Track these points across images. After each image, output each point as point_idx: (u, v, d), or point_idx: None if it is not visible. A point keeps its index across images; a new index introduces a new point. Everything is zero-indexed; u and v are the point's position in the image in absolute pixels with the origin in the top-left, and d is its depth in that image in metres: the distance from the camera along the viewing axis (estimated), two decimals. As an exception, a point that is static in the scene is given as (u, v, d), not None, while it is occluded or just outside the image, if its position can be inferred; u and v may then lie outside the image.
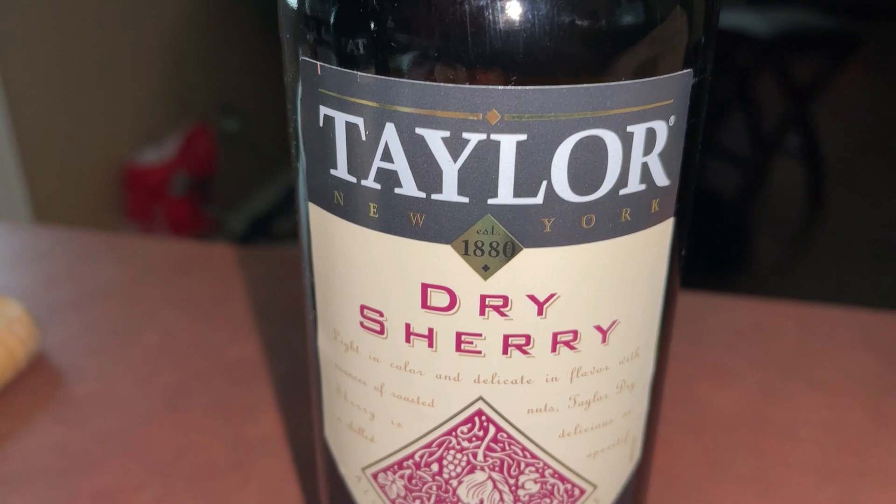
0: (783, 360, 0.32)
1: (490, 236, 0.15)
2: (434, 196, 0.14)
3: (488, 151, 0.14)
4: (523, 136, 0.14)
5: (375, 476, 0.18)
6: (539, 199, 0.14)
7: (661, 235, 0.16)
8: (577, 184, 0.14)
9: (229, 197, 1.69)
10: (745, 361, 0.32)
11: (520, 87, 0.13)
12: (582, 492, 0.18)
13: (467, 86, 0.13)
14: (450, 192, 0.14)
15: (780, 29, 1.59)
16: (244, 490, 0.26)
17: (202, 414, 0.29)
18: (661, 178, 0.15)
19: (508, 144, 0.14)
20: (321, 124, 0.15)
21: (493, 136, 0.14)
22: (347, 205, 0.15)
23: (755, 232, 1.66)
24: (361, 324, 0.16)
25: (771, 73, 1.67)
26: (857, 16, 1.74)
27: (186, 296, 0.37)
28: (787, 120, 1.68)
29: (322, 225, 0.16)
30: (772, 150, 1.72)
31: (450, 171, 0.14)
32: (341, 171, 0.15)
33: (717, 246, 1.50)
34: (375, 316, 0.16)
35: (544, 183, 0.14)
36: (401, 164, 0.14)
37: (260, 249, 0.41)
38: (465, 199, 0.14)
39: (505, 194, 0.14)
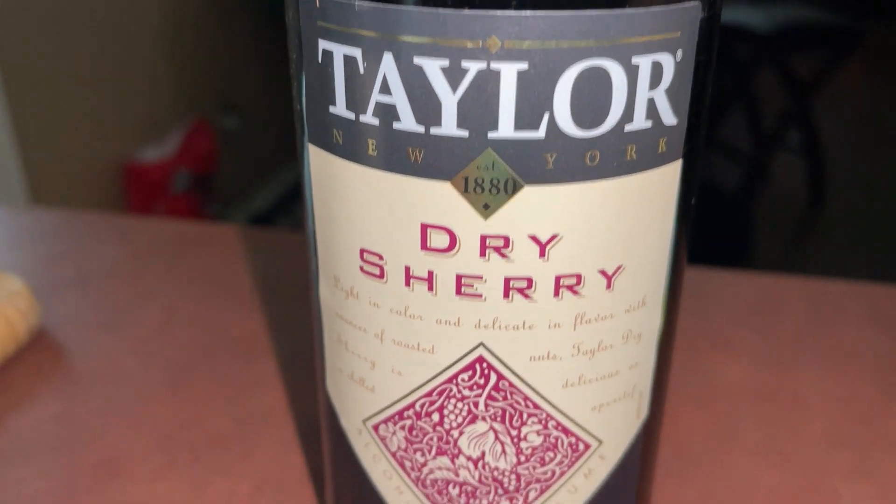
0: (791, 334, 0.32)
1: (491, 172, 0.14)
2: (433, 130, 0.14)
3: (488, 81, 0.13)
4: (524, 65, 0.13)
5: (376, 428, 0.18)
6: (541, 133, 0.14)
7: (668, 177, 0.16)
8: (580, 117, 0.14)
9: (230, 194, 1.68)
10: (752, 334, 0.32)
11: (521, 12, 0.13)
12: (587, 446, 0.17)
13: (466, 11, 0.13)
14: (449, 125, 0.14)
15: (780, 24, 1.58)
16: (248, 460, 0.25)
17: (205, 388, 0.29)
18: (668, 116, 0.15)
19: (509, 74, 0.13)
20: (320, 60, 0.15)
21: (494, 65, 0.13)
22: (346, 143, 0.15)
23: (756, 228, 1.65)
24: (361, 268, 0.16)
25: (771, 68, 1.67)
26: (858, 11, 1.74)
27: (188, 274, 0.36)
28: (788, 115, 1.68)
29: (322, 167, 0.16)
30: (772, 146, 1.71)
31: (449, 102, 0.14)
32: (340, 107, 0.15)
33: (718, 242, 1.50)
34: (375, 259, 0.16)
35: (546, 115, 0.14)
36: (399, 97, 0.14)
37: (262, 230, 0.41)
38: (465, 133, 0.14)
39: (506, 127, 0.14)
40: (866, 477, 0.25)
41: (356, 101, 0.14)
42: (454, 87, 0.14)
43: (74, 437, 0.26)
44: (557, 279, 0.15)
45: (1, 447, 0.26)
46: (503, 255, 0.15)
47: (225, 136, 1.65)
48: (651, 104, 0.14)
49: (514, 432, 0.17)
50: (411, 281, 0.16)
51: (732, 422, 0.27)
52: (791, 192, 1.79)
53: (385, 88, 0.14)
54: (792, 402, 0.28)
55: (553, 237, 0.15)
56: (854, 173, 1.84)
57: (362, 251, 0.16)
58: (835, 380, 0.29)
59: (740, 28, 1.58)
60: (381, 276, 0.16)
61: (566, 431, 0.17)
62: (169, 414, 0.27)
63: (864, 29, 1.70)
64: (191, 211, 1.52)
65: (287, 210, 1.82)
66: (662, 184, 0.16)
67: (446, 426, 0.17)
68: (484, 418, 0.17)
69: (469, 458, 0.17)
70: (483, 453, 0.17)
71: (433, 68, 0.14)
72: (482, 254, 0.15)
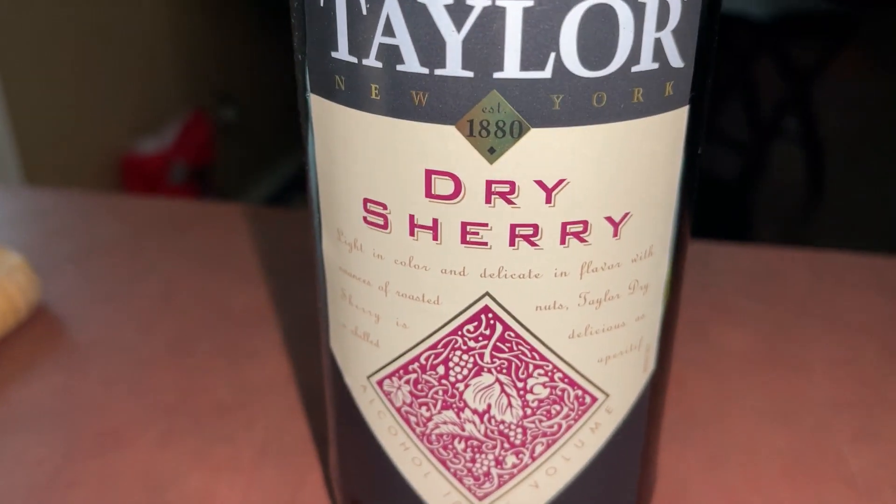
0: (796, 302, 0.32)
1: (496, 115, 0.14)
2: (437, 71, 0.14)
3: (493, 19, 0.13)
4: (530, 2, 0.13)
5: (381, 383, 0.17)
6: (547, 73, 0.14)
7: (675, 123, 0.15)
8: (586, 57, 0.14)
9: (228, 186, 1.68)
10: (757, 303, 0.32)
11: (527, -53, 0.13)
12: (593, 399, 0.17)
13: (472, -55, 0.13)
14: (454, 66, 0.14)
15: (778, 12, 1.58)
16: (251, 429, 0.25)
17: (206, 358, 0.29)
18: (675, 59, 0.15)
19: (514, 11, 0.13)
20: (322, 4, 0.15)
21: (499, 2, 0.13)
22: (349, 89, 0.15)
23: (754, 216, 1.65)
24: (365, 219, 0.16)
25: (769, 56, 1.67)
26: (856, -2, 1.73)
27: (188, 250, 0.36)
28: (786, 104, 1.67)
29: (324, 116, 0.16)
30: (771, 135, 1.71)
31: (453, 42, 0.14)
32: (342, 52, 0.15)
33: (717, 231, 1.50)
34: (378, 209, 0.16)
35: (552, 55, 0.14)
36: (403, 38, 0.14)
37: (259, 207, 0.41)
38: (470, 74, 0.14)
39: (511, 67, 0.14)
40: (870, 438, 0.25)
41: (359, 44, 0.14)
42: (459, 25, 0.13)
43: (76, 408, 0.26)
44: (564, 226, 0.15)
45: (3, 417, 0.26)
46: (509, 202, 0.15)
47: (222, 127, 1.65)
48: (658, 45, 0.14)
49: (520, 384, 0.17)
50: (416, 230, 0.15)
51: (737, 387, 0.27)
52: (789, 180, 1.79)
53: (388, 30, 0.14)
54: (796, 368, 0.28)
55: (559, 182, 0.15)
56: (853, 161, 1.84)
57: (366, 201, 0.16)
58: (838, 345, 0.29)
59: (739, 17, 1.58)
60: (385, 226, 0.16)
61: (572, 384, 0.17)
62: (170, 384, 0.27)
63: (862, 17, 1.70)
64: (189, 202, 1.51)
65: (285, 201, 1.82)
66: (670, 129, 0.15)
67: (452, 379, 0.17)
68: (490, 370, 0.16)
69: (475, 412, 0.17)
70: (489, 406, 0.17)
71: (437, 6, 0.13)
72: (488, 200, 0.15)
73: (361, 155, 0.15)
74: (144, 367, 0.28)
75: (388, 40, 0.14)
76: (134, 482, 0.23)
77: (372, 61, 0.14)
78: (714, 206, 1.58)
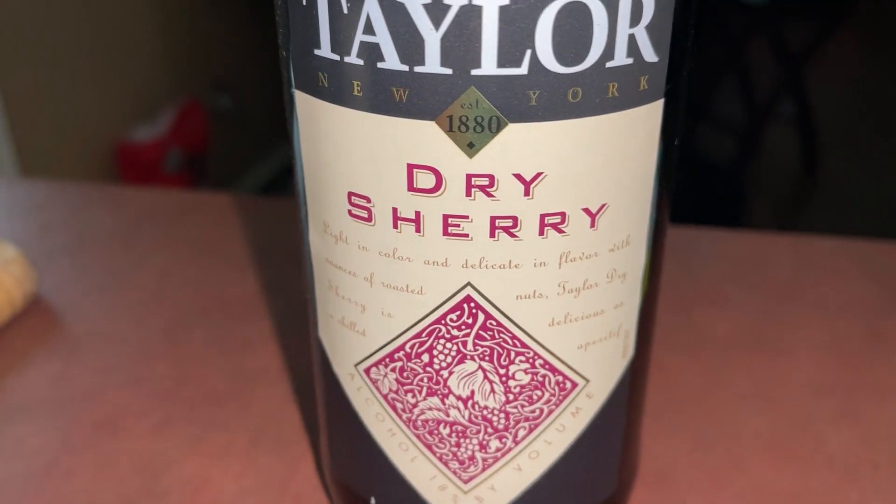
0: (780, 287, 0.32)
1: (475, 110, 0.14)
2: (417, 69, 0.14)
3: (471, 17, 0.14)
4: (506, 1, 0.14)
5: (368, 371, 0.18)
6: (524, 70, 0.14)
7: (650, 116, 0.16)
8: (562, 54, 0.14)
9: (223, 174, 1.68)
10: (741, 288, 0.32)
11: (501, -53, 0.13)
12: (574, 385, 0.18)
13: (448, -54, 0.13)
14: (433, 63, 0.14)
15: (773, -7, 1.58)
16: (245, 416, 0.26)
17: (200, 347, 0.29)
18: (649, 54, 0.15)
19: (491, 9, 0.14)
20: (304, 2, 0.15)
21: (475, 1, 0.14)
22: (332, 85, 0.15)
23: (749, 198, 1.66)
24: (350, 212, 0.16)
25: (764, 38, 1.67)
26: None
27: (181, 241, 0.37)
28: (781, 86, 1.67)
29: (308, 112, 0.16)
30: (765, 117, 1.71)
31: (432, 40, 0.14)
32: (325, 49, 0.15)
33: (711, 213, 1.50)
34: (363, 202, 0.16)
35: (528, 52, 0.14)
36: (383, 36, 0.14)
37: (252, 197, 0.41)
38: (449, 71, 0.14)
39: (489, 64, 0.14)
40: (850, 419, 0.25)
41: (340, 42, 0.15)
42: (437, 24, 0.14)
43: (72, 396, 0.27)
44: (542, 217, 0.16)
45: (1, 406, 0.26)
46: (489, 195, 0.15)
47: (216, 115, 1.65)
48: (632, 40, 0.15)
49: (502, 371, 0.17)
50: (399, 222, 0.16)
51: (721, 371, 0.28)
52: (784, 162, 1.79)
53: (369, 28, 0.14)
54: (779, 351, 0.29)
55: (537, 175, 0.15)
56: (847, 142, 1.84)
57: (350, 194, 0.16)
58: (821, 329, 0.30)
59: (732, -2, 1.57)
60: (370, 218, 0.16)
61: (553, 370, 0.17)
62: (165, 372, 0.28)
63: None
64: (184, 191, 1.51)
65: (279, 189, 1.82)
66: (645, 122, 0.16)
67: (436, 366, 0.17)
68: (472, 357, 0.17)
69: (459, 398, 0.17)
70: (472, 392, 0.17)
71: (415, 5, 0.14)
72: (468, 193, 0.15)
73: (345, 150, 0.16)
74: (139, 357, 0.29)
75: (368, 38, 0.14)
76: (130, 469, 0.24)
77: (353, 59, 0.15)
78: (707, 189, 1.59)
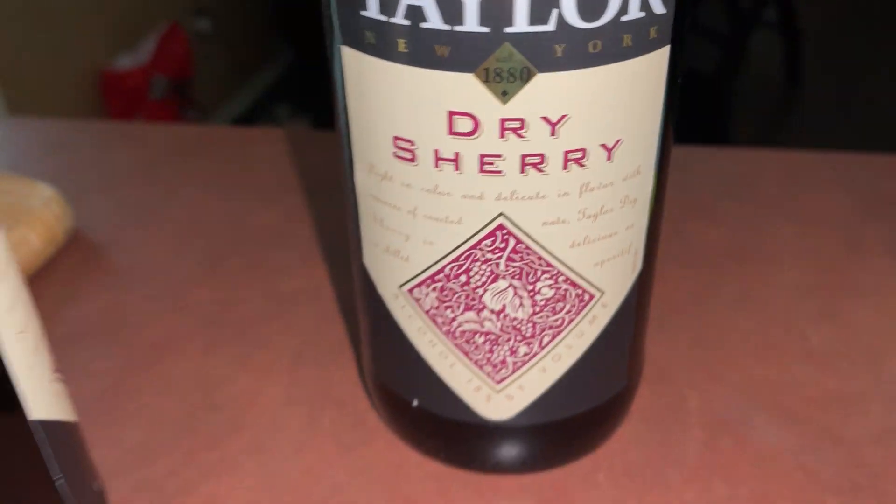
0: (767, 200, 0.35)
1: (508, 63, 0.17)
2: (457, 28, 0.16)
3: (505, -18, 0.16)
4: (536, -33, 0.15)
5: (411, 291, 0.21)
6: (551, 26, 0.16)
7: (658, 61, 0.18)
8: (584, 11, 0.16)
9: (209, 99, 1.67)
10: (732, 202, 0.35)
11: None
12: (591, 297, 0.21)
13: (486, -79, 0.15)
14: (471, 22, 0.16)
15: None
16: (287, 334, 0.28)
17: (238, 274, 0.32)
18: (658, 6, 0.17)
19: (523, -25, 0.16)
20: (351, -31, 0.17)
21: (510, -32, 0.15)
22: (379, 43, 0.17)
23: (734, 106, 1.67)
24: (395, 154, 0.19)
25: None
26: None
27: (205, 174, 0.39)
28: (767, -9, 1.66)
29: (355, 66, 0.18)
30: (750, 23, 1.71)
31: (471, 3, 0.16)
32: (372, 11, 0.17)
33: (697, 121, 1.52)
34: (407, 146, 0.18)
35: (555, 11, 0.16)
36: (426, 0, 0.16)
37: (268, 130, 0.43)
38: (486, 29, 0.16)
39: (521, 22, 0.16)
40: (829, 318, 0.28)
41: (387, 4, 0.17)
42: (475, -12, 0.16)
43: (125, 323, 0.29)
44: (566, 154, 0.18)
45: (61, 334, 0.29)
46: (520, 136, 0.17)
47: (198, 39, 1.62)
48: (643, -4, 0.17)
49: (529, 287, 0.20)
50: (440, 162, 0.18)
51: (714, 278, 0.30)
52: (769, 69, 1.80)
53: (414, -8, 0.16)
54: (766, 259, 0.31)
55: (562, 117, 0.17)
56: (831, 48, 1.84)
57: (395, 139, 0.18)
58: (804, 237, 0.33)
59: None
60: (413, 159, 0.18)
61: (573, 284, 0.20)
62: (208, 298, 0.30)
63: None
64: (171, 116, 1.51)
65: (266, 111, 1.81)
66: (654, 66, 0.18)
67: (472, 285, 0.20)
68: (504, 277, 0.20)
69: (492, 311, 0.20)
70: (504, 306, 0.20)
71: (456, -27, 0.16)
72: (501, 135, 0.17)
73: (390, 100, 0.18)
74: (182, 285, 0.31)
75: (413, 1, 0.16)
76: (189, 386, 0.27)
77: (399, 19, 0.17)
78: (694, 96, 1.60)
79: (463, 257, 0.19)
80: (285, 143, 0.41)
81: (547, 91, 0.17)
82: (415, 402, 0.23)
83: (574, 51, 0.17)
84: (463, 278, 0.20)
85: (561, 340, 0.21)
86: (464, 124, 0.17)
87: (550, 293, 0.20)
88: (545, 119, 0.17)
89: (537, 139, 0.18)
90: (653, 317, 0.29)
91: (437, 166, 0.18)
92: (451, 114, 0.17)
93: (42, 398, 0.17)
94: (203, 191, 0.37)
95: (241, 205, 0.36)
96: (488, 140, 0.18)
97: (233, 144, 0.41)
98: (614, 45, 0.17)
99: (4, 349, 0.16)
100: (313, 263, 0.32)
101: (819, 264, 0.31)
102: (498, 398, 0.22)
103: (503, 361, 0.21)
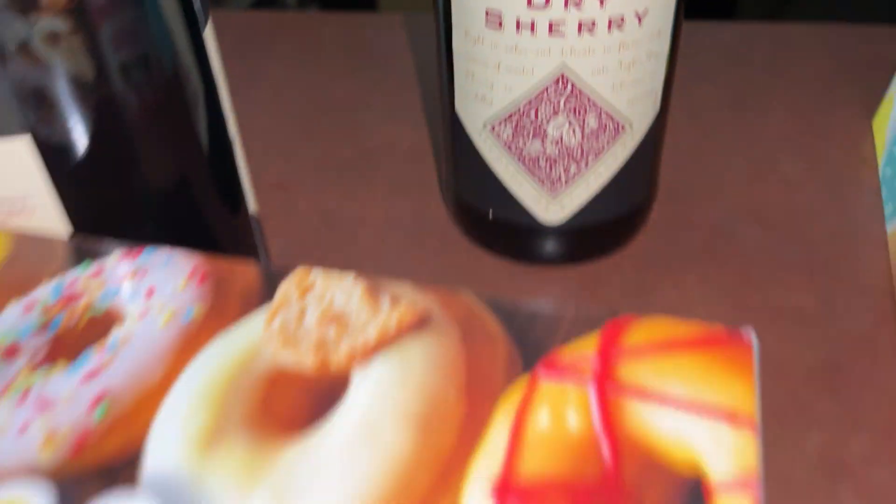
0: (761, 64, 0.42)
1: (572, -46, 0.24)
2: (538, -71, 0.23)
3: None
4: None
5: (493, 128, 0.28)
6: (603, -73, 0.23)
7: (676, -51, 0.25)
8: (626, -85, 0.23)
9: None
10: (730, 65, 0.42)
11: None
12: (623, 127, 0.28)
13: None
14: (548, -75, 0.23)
15: None
16: (378, 173, 0.36)
17: (329, 132, 0.39)
18: None
19: None
20: None
21: None
22: (479, -60, 0.24)
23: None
24: (485, 23, 0.26)
25: None
26: None
27: (281, 56, 0.45)
28: None
29: (459, -43, 0.25)
30: None
31: (549, -89, 0.23)
32: (476, -83, 0.24)
33: (703, 5, 1.54)
34: (495, 16, 0.25)
35: (607, -85, 0.23)
36: None
37: (322, 14, 0.49)
38: (558, -70, 0.23)
39: (583, -76, 0.23)
40: (807, 155, 0.36)
41: (487, -88, 0.23)
42: None
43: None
44: (610, 20, 0.25)
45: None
46: (578, 7, 0.25)
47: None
48: None
49: (580, 120, 0.27)
50: (520, 28, 0.25)
51: (712, 130, 0.38)
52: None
53: None
54: (756, 111, 0.39)
55: (608, -7, 0.25)
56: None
57: (487, 10, 0.26)
58: (789, 95, 0.40)
59: None
60: (500, 26, 0.26)
61: (611, 118, 0.28)
62: (306, 149, 0.38)
63: None
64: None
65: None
66: (673, -46, 0.25)
67: (539, 120, 0.27)
68: (563, 112, 0.27)
69: (552, 140, 0.28)
70: (561, 135, 0.28)
71: None
72: (565, 6, 0.25)
73: (485, -18, 0.25)
74: (290, 136, 0.39)
75: (507, -89, 0.23)
76: (316, 224, 0.35)
77: (496, -77, 0.23)
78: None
79: (534, 98, 0.27)
80: (346, 26, 0.48)
81: (599, -26, 0.24)
82: (490, 213, 0.31)
83: (619, -56, 0.24)
84: (532, 115, 0.27)
85: (601, 161, 0.29)
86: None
87: (595, 124, 0.28)
88: (597, -6, 0.24)
89: (590, 9, 0.25)
90: (665, 153, 0.36)
91: (517, 31, 0.25)
92: (530, -8, 0.24)
93: (250, 197, 0.25)
94: (281, 71, 0.44)
95: (319, 80, 0.43)
96: (556, 10, 0.25)
97: (301, 29, 0.48)
98: (647, -61, 0.24)
99: (238, 159, 0.24)
100: (392, 118, 0.40)
101: (803, 115, 0.39)
102: (553, 204, 0.30)
103: (559, 178, 0.29)
